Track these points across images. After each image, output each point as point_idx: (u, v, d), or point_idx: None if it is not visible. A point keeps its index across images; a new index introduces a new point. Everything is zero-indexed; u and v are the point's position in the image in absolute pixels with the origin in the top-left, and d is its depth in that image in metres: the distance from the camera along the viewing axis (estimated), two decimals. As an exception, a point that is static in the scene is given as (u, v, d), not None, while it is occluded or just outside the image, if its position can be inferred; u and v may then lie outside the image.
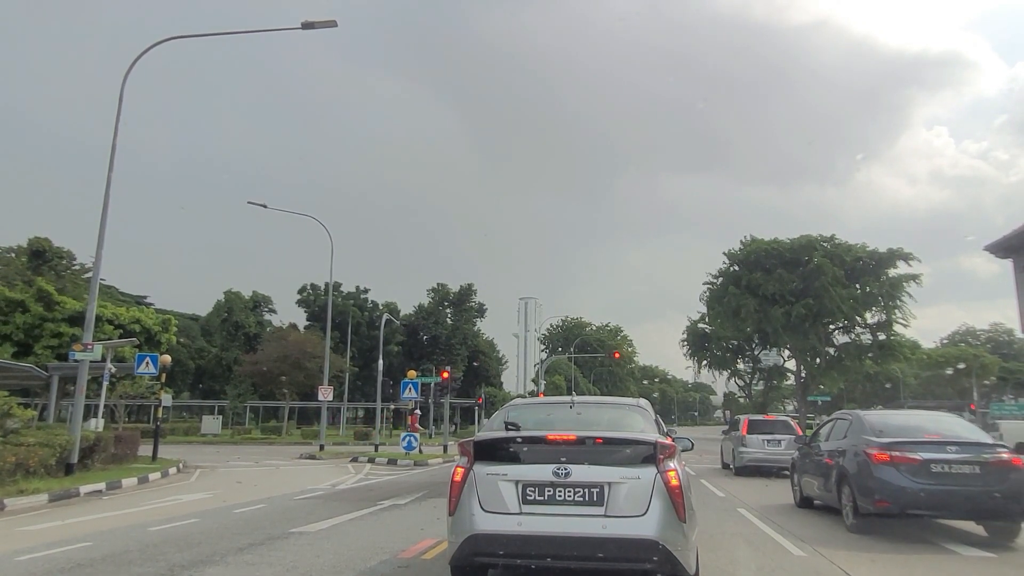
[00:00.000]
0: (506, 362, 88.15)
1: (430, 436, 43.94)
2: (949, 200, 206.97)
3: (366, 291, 73.42)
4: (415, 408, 30.91)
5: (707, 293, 54.60)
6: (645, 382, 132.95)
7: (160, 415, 24.69)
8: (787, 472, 14.73)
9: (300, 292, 71.27)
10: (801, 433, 17.48)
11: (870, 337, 49.92)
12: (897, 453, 8.74)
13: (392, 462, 23.12)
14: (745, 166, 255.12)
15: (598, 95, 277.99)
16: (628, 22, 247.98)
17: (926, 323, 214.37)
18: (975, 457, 8.62)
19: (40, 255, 48.70)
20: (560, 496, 4.91)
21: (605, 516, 4.81)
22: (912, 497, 8.48)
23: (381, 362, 35.74)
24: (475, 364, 73.68)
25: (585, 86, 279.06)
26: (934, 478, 8.48)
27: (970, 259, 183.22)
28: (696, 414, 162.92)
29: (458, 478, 5.17)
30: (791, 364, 54.85)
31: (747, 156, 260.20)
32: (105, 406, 25.68)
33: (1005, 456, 8.67)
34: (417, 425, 29.94)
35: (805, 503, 11.82)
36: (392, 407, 49.54)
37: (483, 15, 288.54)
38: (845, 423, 10.56)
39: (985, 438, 9.45)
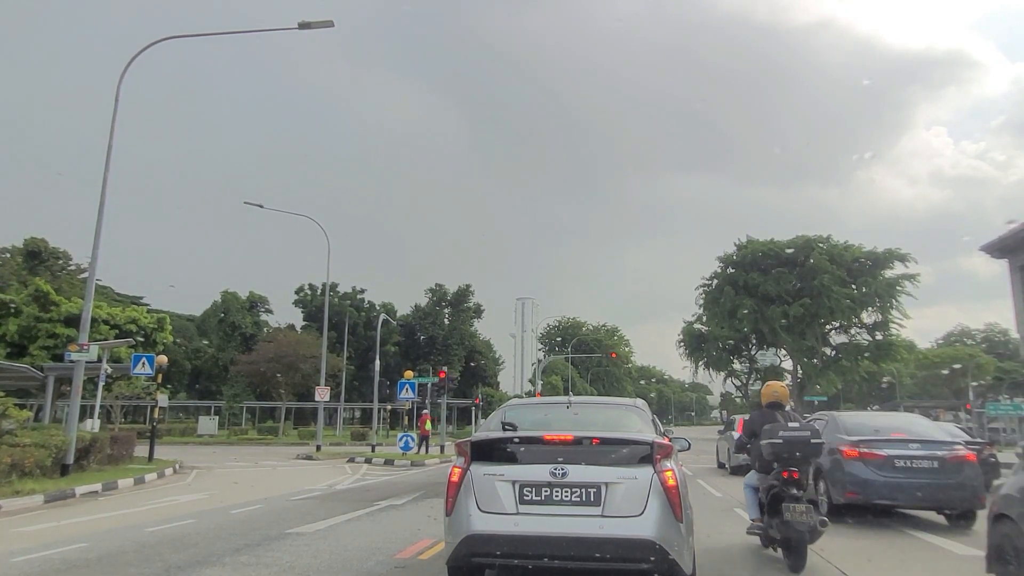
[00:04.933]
0: (503, 362, 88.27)
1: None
2: (948, 201, 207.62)
3: (363, 291, 73.46)
4: (423, 409, 30.83)
5: (702, 295, 54.71)
6: (642, 382, 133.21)
7: (156, 415, 24.62)
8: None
9: (297, 292, 71.23)
10: None
11: (867, 337, 50.02)
12: (865, 449, 9.74)
13: (389, 462, 23.11)
14: (747, 166, 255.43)
15: (597, 95, 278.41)
16: (628, 23, 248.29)
17: (924, 324, 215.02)
18: (934, 453, 9.55)
19: (36, 255, 48.61)
20: (557, 496, 4.91)
21: (602, 516, 4.81)
22: (877, 488, 9.47)
23: (378, 362, 35.77)
24: (472, 364, 73.71)
25: (584, 86, 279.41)
26: (897, 472, 9.48)
27: (969, 260, 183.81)
28: (693, 414, 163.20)
29: (455, 478, 5.16)
30: (788, 364, 54.93)
31: (749, 156, 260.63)
32: (101, 407, 25.61)
33: (960, 452, 9.63)
34: (427, 427, 29.72)
35: None
36: (389, 407, 49.53)
37: (482, 14, 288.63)
38: (822, 423, 11.41)
39: (946, 436, 10.38)
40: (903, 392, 71.60)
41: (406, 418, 42.84)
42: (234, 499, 12.65)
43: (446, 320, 76.54)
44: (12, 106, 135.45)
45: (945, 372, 66.56)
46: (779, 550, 7.02)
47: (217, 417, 50.61)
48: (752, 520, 7.43)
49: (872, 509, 9.81)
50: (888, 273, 48.05)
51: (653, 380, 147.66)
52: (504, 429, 5.54)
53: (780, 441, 6.81)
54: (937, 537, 8.91)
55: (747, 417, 8.30)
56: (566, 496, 4.90)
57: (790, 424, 7.09)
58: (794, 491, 6.61)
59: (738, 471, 19.22)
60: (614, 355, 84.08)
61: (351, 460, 24.92)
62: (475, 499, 4.99)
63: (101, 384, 23.72)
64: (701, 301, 54.94)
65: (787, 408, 7.77)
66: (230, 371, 57.44)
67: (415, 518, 10.13)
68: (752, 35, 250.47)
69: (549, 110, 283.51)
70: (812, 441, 6.82)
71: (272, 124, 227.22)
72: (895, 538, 8.89)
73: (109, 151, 16.16)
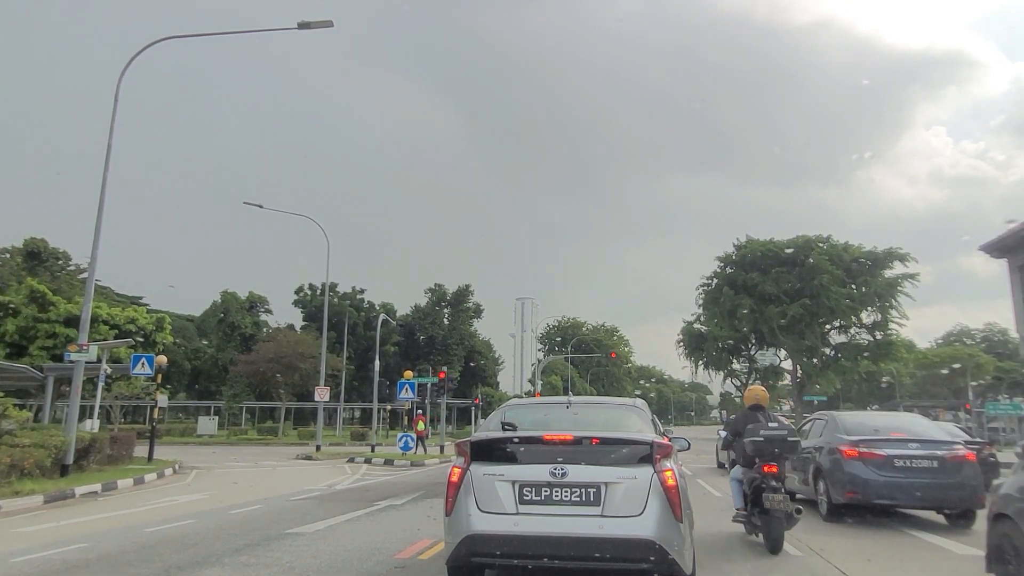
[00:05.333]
0: (503, 362, 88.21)
1: (426, 436, 43.91)
2: (948, 200, 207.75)
3: (362, 291, 73.40)
4: (417, 409, 30.84)
5: (702, 295, 54.68)
6: (642, 382, 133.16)
7: (156, 416, 24.60)
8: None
9: (297, 292, 71.19)
10: None
11: (867, 337, 50.00)
12: (865, 449, 9.75)
13: (389, 462, 23.11)
14: (747, 166, 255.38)
15: (597, 95, 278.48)
16: (627, 23, 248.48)
17: (924, 323, 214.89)
18: (933, 453, 9.57)
19: (36, 256, 48.60)
20: (557, 496, 4.91)
21: (602, 516, 4.82)
22: (877, 488, 9.48)
23: (377, 362, 35.80)
24: (472, 364, 73.66)
25: (584, 86, 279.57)
26: (897, 471, 9.51)
27: (969, 259, 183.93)
28: (693, 414, 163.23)
29: (455, 478, 5.17)
30: (787, 364, 54.92)
31: (749, 156, 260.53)
32: (101, 407, 25.60)
33: (960, 452, 9.66)
34: (420, 427, 29.76)
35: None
36: (389, 407, 49.53)
37: (482, 14, 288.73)
38: (822, 423, 11.48)
39: (945, 436, 10.39)
40: (903, 392, 71.66)
41: (405, 418, 42.87)
42: (234, 499, 12.64)
43: (446, 320, 76.52)
44: (12, 106, 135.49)
45: (944, 372, 66.61)
46: (760, 536, 7.92)
47: (217, 417, 50.59)
48: (737, 509, 8.40)
49: (872, 509, 9.81)
50: (888, 273, 48.01)
51: (653, 380, 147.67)
52: (504, 429, 5.55)
53: (761, 439, 7.77)
54: (937, 537, 8.91)
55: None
56: (566, 496, 4.90)
57: (770, 424, 7.95)
58: (773, 483, 7.60)
59: (738, 471, 19.23)
60: (614, 355, 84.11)
61: (351, 460, 24.92)
62: (475, 499, 4.99)
63: (101, 384, 23.73)
64: (701, 301, 54.93)
65: (767, 410, 8.66)
66: (229, 371, 57.40)
67: (415, 518, 10.13)
68: (752, 35, 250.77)
69: (549, 110, 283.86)
70: (788, 439, 7.80)
71: (271, 124, 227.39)
72: (895, 538, 8.89)
73: (109, 151, 16.17)
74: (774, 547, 7.54)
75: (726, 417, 35.14)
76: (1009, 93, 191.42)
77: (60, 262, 50.45)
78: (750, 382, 60.50)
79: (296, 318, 70.39)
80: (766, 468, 7.69)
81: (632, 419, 5.85)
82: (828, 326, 50.80)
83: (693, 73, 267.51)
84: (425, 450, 28.33)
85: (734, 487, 8.52)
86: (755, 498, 7.84)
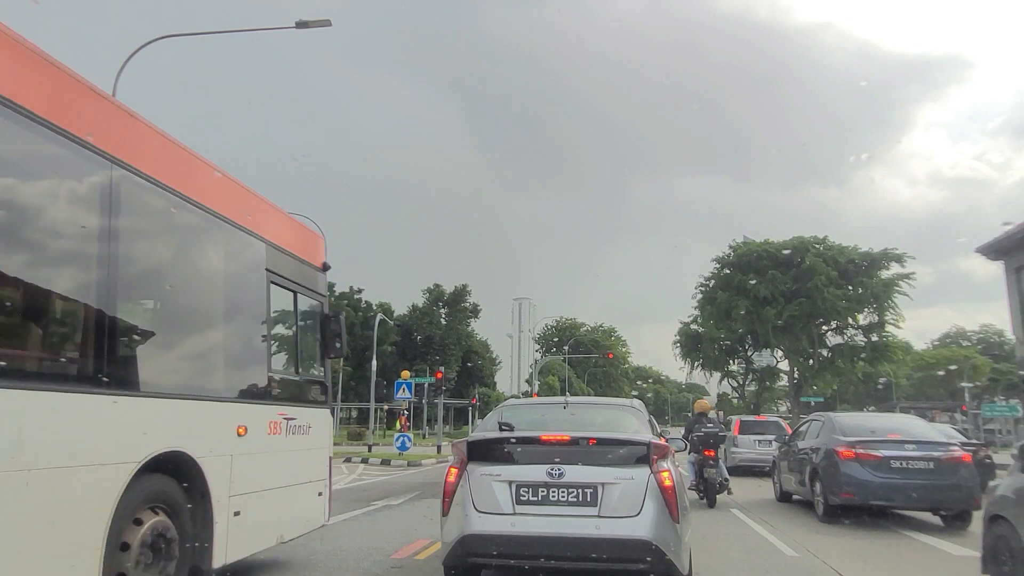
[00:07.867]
0: (500, 363, 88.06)
1: (424, 436, 43.89)
2: (947, 202, 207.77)
3: (360, 291, 73.21)
4: (403, 410, 30.85)
5: (699, 295, 54.72)
6: (639, 382, 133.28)
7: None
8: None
9: (294, 292, 71.04)
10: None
11: (863, 338, 50.08)
12: (861, 450, 9.81)
13: (386, 462, 23.10)
14: (747, 166, 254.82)
15: (596, 95, 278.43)
16: (627, 22, 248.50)
17: (921, 325, 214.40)
18: (929, 454, 9.63)
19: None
20: (554, 496, 4.91)
21: (599, 517, 4.82)
22: (873, 489, 9.55)
23: (375, 362, 35.73)
24: (469, 365, 73.58)
25: (582, 85, 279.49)
26: (893, 472, 9.57)
27: (967, 261, 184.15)
28: (690, 415, 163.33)
29: (452, 478, 5.17)
30: (784, 365, 55.00)
31: (750, 156, 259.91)
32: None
33: (956, 453, 9.74)
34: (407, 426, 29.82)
35: (784, 497, 12.88)
36: (386, 407, 49.46)
37: (481, 12, 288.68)
38: (819, 424, 11.64)
39: (941, 437, 10.47)
40: (899, 393, 71.74)
41: (399, 419, 42.85)
42: (230, 499, 12.60)
43: (443, 320, 76.42)
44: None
45: (941, 373, 66.74)
46: (703, 498, 11.80)
47: (213, 417, 50.42)
48: (692, 480, 11.85)
49: (868, 510, 9.84)
50: (884, 274, 48.06)
51: (650, 380, 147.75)
52: (501, 429, 5.54)
53: (703, 434, 12.00)
54: (933, 538, 8.93)
55: (706, 417, 13.01)
56: (563, 496, 4.90)
57: (708, 425, 12.40)
58: (711, 462, 11.81)
59: (734, 472, 19.29)
60: (611, 356, 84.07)
61: (348, 460, 24.87)
62: (472, 499, 4.99)
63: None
64: (697, 302, 54.96)
65: (708, 414, 13.10)
66: (226, 371, 57.26)
67: (412, 518, 10.13)
68: (753, 35, 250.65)
69: (547, 109, 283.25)
70: (720, 434, 12.61)
71: (270, 121, 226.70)
72: (891, 539, 8.91)
73: (105, 150, 16.08)
74: (711, 503, 11.62)
75: (723, 418, 35.77)
76: (1008, 95, 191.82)
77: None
78: (747, 383, 60.84)
79: (293, 318, 70.26)
80: (707, 452, 11.74)
81: (629, 420, 5.86)
82: (824, 327, 50.86)
83: (693, 73, 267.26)
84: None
85: (688, 467, 12.11)
86: (700, 472, 11.93)
